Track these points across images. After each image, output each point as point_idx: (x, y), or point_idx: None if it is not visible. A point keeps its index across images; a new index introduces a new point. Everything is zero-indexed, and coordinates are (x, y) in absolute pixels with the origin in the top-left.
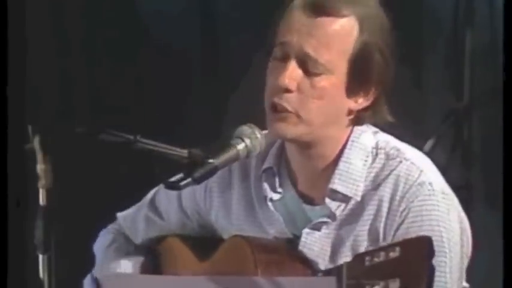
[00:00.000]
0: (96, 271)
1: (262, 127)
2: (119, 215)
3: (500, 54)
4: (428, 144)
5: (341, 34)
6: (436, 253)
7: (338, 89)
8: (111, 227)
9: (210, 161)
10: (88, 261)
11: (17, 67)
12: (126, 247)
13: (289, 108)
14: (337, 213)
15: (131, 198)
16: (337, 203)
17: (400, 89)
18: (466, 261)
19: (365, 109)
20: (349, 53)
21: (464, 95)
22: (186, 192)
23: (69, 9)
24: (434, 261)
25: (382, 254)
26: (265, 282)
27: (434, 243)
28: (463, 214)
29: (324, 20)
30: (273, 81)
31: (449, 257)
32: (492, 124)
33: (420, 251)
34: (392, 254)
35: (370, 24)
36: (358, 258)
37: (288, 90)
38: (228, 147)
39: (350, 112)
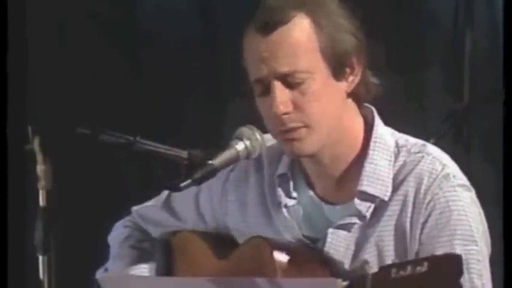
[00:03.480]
0: (110, 265)
1: (262, 129)
2: (134, 209)
3: (500, 55)
4: None
5: (301, 36)
6: (468, 242)
7: (327, 82)
8: (127, 219)
9: (210, 162)
10: (87, 262)
11: (17, 67)
12: (141, 243)
13: (297, 125)
14: (368, 215)
15: (131, 199)
16: (367, 204)
17: (400, 89)
18: (488, 256)
19: (358, 84)
20: (318, 47)
21: (464, 96)
22: (203, 196)
23: (69, 9)
24: (467, 250)
25: (409, 267)
26: (265, 282)
27: (465, 232)
28: (482, 210)
29: (279, 32)
30: (268, 113)
31: (480, 246)
32: (492, 124)
33: (448, 269)
34: (419, 269)
35: (321, 10)
36: (384, 270)
37: (286, 113)
38: (228, 149)
39: (347, 94)
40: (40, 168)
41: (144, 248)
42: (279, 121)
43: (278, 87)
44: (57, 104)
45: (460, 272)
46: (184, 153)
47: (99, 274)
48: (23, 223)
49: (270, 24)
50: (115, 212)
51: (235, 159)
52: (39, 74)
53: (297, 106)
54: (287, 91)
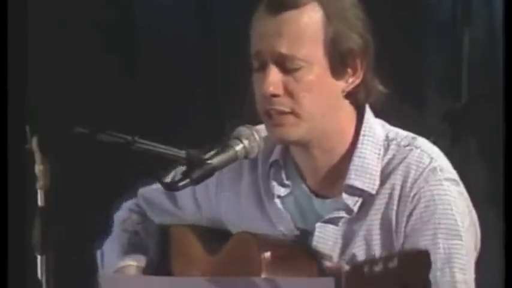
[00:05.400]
0: (105, 245)
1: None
2: (140, 191)
3: (499, 54)
4: None
5: (309, 24)
6: (451, 236)
7: (324, 77)
8: (133, 201)
9: (208, 161)
10: (86, 261)
11: (17, 67)
12: (136, 226)
13: (285, 109)
14: (355, 208)
15: (129, 199)
16: (355, 199)
17: (399, 89)
18: (476, 254)
19: (358, 86)
20: (322, 39)
21: (462, 95)
22: (199, 187)
23: (69, 9)
24: (450, 245)
25: (381, 264)
26: (263, 282)
27: (449, 226)
28: (471, 204)
29: (289, 15)
30: (259, 92)
31: (465, 240)
32: (490, 124)
33: (418, 264)
34: (390, 264)
35: (335, 5)
36: (357, 267)
37: (275, 95)
38: (226, 148)
39: (344, 94)
40: (38, 167)
41: (137, 231)
42: (268, 101)
43: (273, 68)
44: (56, 104)
45: (429, 267)
46: (182, 153)
47: (99, 254)
48: (23, 223)
49: (281, 5)
50: (113, 212)
51: (233, 159)
52: (38, 73)
53: (287, 91)
54: (280, 74)
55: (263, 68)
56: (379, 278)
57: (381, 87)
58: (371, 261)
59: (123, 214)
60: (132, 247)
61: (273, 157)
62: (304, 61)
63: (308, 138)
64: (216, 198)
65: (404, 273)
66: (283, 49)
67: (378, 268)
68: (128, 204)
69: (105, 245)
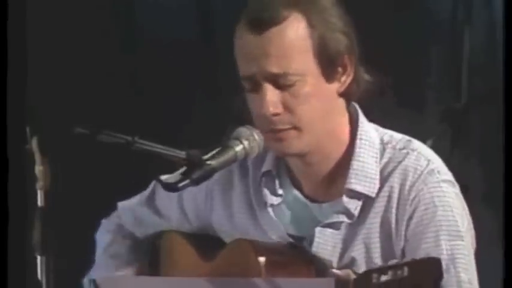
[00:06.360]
0: (92, 273)
1: None
2: (120, 205)
3: (499, 54)
4: (427, 145)
5: (294, 37)
6: (453, 237)
7: (319, 84)
8: (111, 221)
9: (208, 162)
10: (87, 263)
11: (17, 67)
12: (121, 248)
13: (286, 126)
14: (356, 213)
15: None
16: (356, 202)
17: (399, 89)
18: (473, 252)
19: (351, 83)
20: (311, 49)
21: (462, 96)
22: (186, 193)
23: (68, 10)
24: (453, 246)
25: (390, 272)
26: (264, 283)
27: (450, 228)
28: (466, 205)
29: (272, 32)
30: (257, 112)
31: (466, 240)
32: (491, 124)
33: (428, 273)
34: (400, 273)
35: (315, 9)
36: (366, 275)
37: (275, 115)
38: (226, 149)
39: (339, 94)
40: (38, 168)
41: (123, 254)
42: (269, 121)
43: (268, 87)
44: (56, 104)
45: (440, 275)
46: (182, 154)
47: (85, 282)
48: (23, 223)
49: (263, 23)
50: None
51: (233, 160)
52: (38, 73)
53: (286, 107)
54: (277, 92)
55: (257, 88)
56: (388, 287)
57: (366, 77)
58: (380, 269)
59: (106, 238)
60: (122, 266)
61: (266, 167)
62: (297, 75)
63: (308, 149)
64: (205, 208)
65: (415, 282)
66: (274, 69)
67: (387, 277)
68: (108, 225)
69: (93, 271)
